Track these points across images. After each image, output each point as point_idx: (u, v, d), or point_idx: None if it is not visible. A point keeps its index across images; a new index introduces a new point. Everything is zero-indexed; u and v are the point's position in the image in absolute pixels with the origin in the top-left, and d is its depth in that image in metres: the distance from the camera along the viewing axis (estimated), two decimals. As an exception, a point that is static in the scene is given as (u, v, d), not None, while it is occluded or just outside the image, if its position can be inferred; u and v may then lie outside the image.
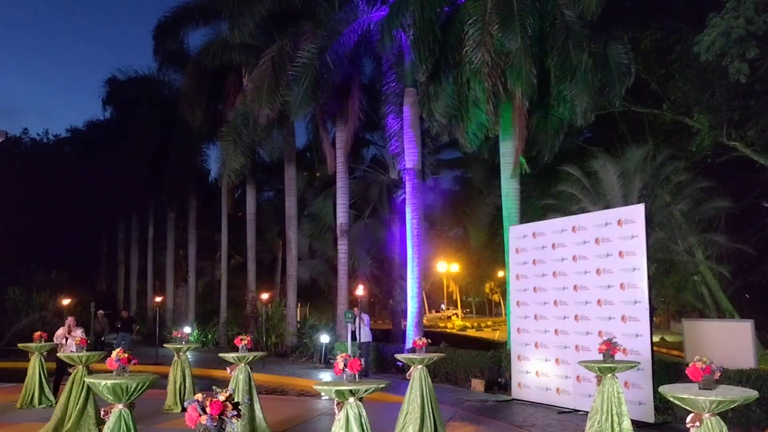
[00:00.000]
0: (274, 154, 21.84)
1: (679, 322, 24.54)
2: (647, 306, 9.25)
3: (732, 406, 5.28)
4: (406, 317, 17.74)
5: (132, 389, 6.01)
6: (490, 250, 26.00)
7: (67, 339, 11.49)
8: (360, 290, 16.91)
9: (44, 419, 9.17)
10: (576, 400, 10.37)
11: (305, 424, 9.76)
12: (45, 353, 11.82)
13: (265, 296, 22.48)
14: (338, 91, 18.67)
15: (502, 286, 40.05)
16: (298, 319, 21.96)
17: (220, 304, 25.22)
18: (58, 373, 11.67)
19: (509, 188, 14.21)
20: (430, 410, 8.38)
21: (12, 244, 25.69)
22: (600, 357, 7.95)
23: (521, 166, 14.02)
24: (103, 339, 20.13)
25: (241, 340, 9.12)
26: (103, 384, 5.99)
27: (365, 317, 15.23)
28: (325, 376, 15.52)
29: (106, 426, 5.98)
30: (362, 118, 19.47)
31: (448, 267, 45.52)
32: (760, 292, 21.93)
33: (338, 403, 5.87)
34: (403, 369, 12.34)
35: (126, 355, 6.43)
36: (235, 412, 3.89)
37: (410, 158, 16.52)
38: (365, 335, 15.15)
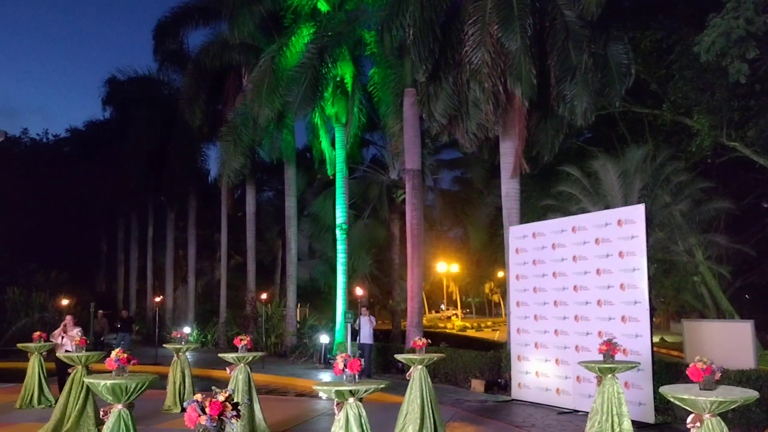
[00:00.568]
0: (273, 154, 21.82)
1: (679, 322, 24.55)
2: (647, 306, 9.24)
3: (732, 407, 5.27)
4: (405, 317, 17.73)
5: (131, 389, 6.00)
6: (490, 251, 25.99)
7: (62, 337, 11.48)
8: (359, 291, 16.93)
9: (44, 419, 9.16)
10: (576, 400, 10.36)
11: (305, 425, 9.75)
12: (44, 353, 11.81)
13: (264, 296, 22.49)
14: (337, 91, 18.66)
15: (502, 287, 40.07)
16: (298, 320, 21.95)
17: (219, 304, 25.22)
18: (60, 373, 11.63)
19: (509, 188, 14.21)
20: (430, 410, 8.37)
21: (12, 244, 25.67)
22: (600, 357, 7.95)
23: (521, 167, 14.01)
24: (102, 339, 20.13)
25: (241, 340, 9.11)
26: (102, 384, 5.97)
27: (372, 319, 15.25)
28: (325, 376, 15.51)
29: (105, 426, 5.97)
30: (362, 118, 19.47)
31: (447, 267, 45.50)
32: (760, 292, 21.95)
33: (338, 404, 5.86)
34: (403, 369, 12.33)
35: (125, 355, 6.42)
36: (234, 413, 3.88)
37: (410, 158, 16.51)
38: (368, 337, 15.11)
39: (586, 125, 14.25)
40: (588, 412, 7.97)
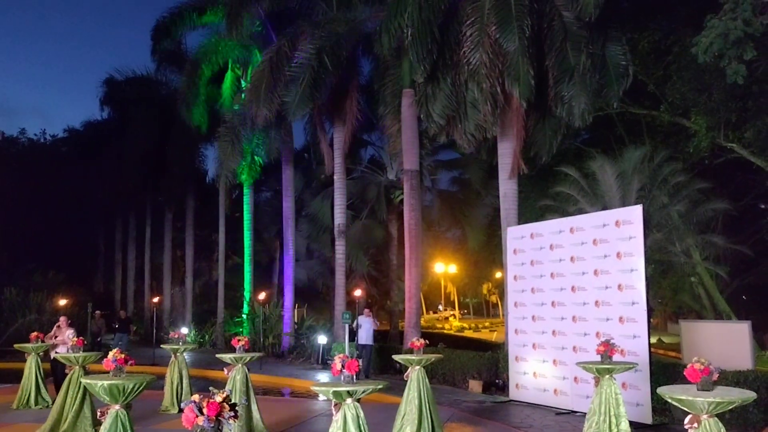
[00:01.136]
0: (271, 155, 21.80)
1: (676, 323, 24.57)
2: (645, 307, 9.24)
3: (730, 408, 5.27)
4: (403, 318, 17.72)
5: (129, 390, 5.99)
6: (487, 251, 26.01)
7: (56, 337, 11.48)
8: (358, 291, 16.93)
9: (41, 420, 9.13)
10: (574, 401, 10.36)
11: (302, 425, 9.74)
12: (41, 354, 11.79)
13: (262, 297, 22.45)
14: (336, 92, 18.66)
15: (500, 287, 40.06)
16: (296, 320, 21.94)
17: (217, 304, 25.18)
18: (56, 374, 11.61)
19: (507, 189, 14.21)
20: (428, 411, 8.37)
21: (9, 245, 25.63)
22: (598, 358, 7.95)
23: (519, 167, 14.01)
24: (99, 339, 20.11)
25: (239, 340, 9.11)
26: (99, 385, 5.96)
27: (375, 321, 15.24)
28: (323, 377, 15.50)
29: (102, 427, 5.95)
30: (360, 119, 19.46)
31: (445, 268, 45.49)
32: (757, 293, 21.97)
33: (336, 404, 5.86)
34: (401, 370, 12.32)
35: (123, 355, 6.41)
36: (232, 413, 3.87)
37: (408, 159, 16.50)
38: (369, 337, 15.05)
39: (584, 126, 14.26)
40: (586, 413, 7.97)
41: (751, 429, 8.63)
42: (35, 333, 12.12)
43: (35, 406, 11.17)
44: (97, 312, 20.59)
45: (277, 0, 19.51)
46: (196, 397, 3.87)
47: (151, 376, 6.46)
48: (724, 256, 19.27)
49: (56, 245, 28.13)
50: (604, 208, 13.25)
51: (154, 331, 20.40)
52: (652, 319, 16.84)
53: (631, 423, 7.80)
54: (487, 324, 50.50)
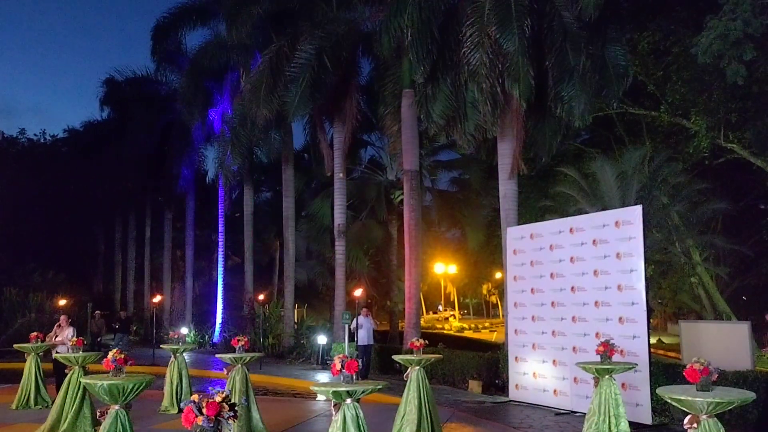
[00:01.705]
0: (271, 155, 21.81)
1: (676, 323, 24.58)
2: (644, 307, 9.24)
3: (729, 408, 5.27)
4: (403, 318, 17.72)
5: (128, 390, 5.99)
6: (487, 252, 26.01)
7: (56, 337, 11.48)
8: (358, 291, 16.91)
9: (40, 420, 9.14)
10: (573, 401, 10.36)
11: (302, 425, 9.74)
12: (41, 354, 11.79)
13: (262, 297, 22.46)
14: (336, 92, 18.66)
15: (500, 288, 40.09)
16: (296, 320, 21.94)
17: (217, 304, 25.18)
18: (57, 374, 11.61)
19: (507, 189, 14.20)
20: (428, 411, 8.37)
21: (9, 245, 25.63)
22: (597, 358, 7.95)
23: (519, 168, 14.02)
24: (99, 339, 20.12)
25: (238, 341, 9.11)
26: (99, 385, 5.96)
27: (373, 321, 15.22)
28: (323, 377, 15.50)
29: (102, 427, 5.96)
30: (360, 119, 19.46)
31: (445, 268, 45.52)
32: (757, 293, 21.96)
33: (335, 404, 5.86)
34: (401, 370, 12.32)
35: (122, 355, 6.41)
36: (231, 413, 3.87)
37: (408, 159, 16.51)
38: (370, 337, 14.99)
39: (584, 126, 14.27)
40: (585, 413, 7.97)
41: (751, 429, 8.63)
42: (35, 333, 12.13)
43: (35, 406, 11.16)
44: (97, 312, 20.60)
45: (277, 0, 19.50)
46: (195, 397, 3.87)
47: (150, 376, 6.46)
48: (723, 257, 19.29)
49: (56, 245, 28.14)
50: (604, 208, 13.25)
51: (154, 331, 20.39)
52: (651, 320, 16.86)
53: (631, 423, 7.81)
54: (486, 324, 50.53)
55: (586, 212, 13.28)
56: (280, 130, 21.00)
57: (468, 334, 40.82)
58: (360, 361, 6.24)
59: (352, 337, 15.30)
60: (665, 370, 10.02)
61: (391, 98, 17.18)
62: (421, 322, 22.03)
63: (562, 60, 13.06)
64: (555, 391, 10.79)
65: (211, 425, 3.77)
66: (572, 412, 10.25)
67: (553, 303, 10.95)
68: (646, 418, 9.02)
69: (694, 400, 5.21)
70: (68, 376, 9.14)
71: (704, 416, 5.20)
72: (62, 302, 19.24)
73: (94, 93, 29.81)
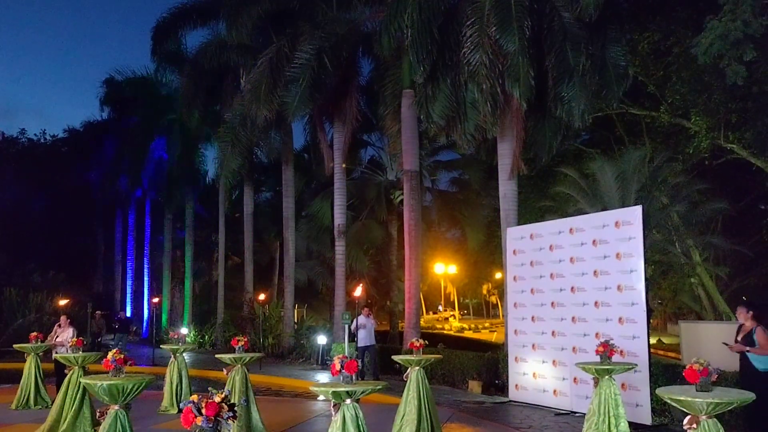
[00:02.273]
0: (271, 155, 21.82)
1: (676, 324, 24.60)
2: (644, 308, 9.23)
3: (729, 408, 5.27)
4: (403, 318, 17.72)
5: (128, 390, 5.98)
6: (487, 252, 26.02)
7: (57, 337, 11.48)
8: (358, 291, 16.88)
9: (40, 420, 9.13)
10: (573, 401, 10.36)
11: (302, 426, 9.74)
12: (41, 354, 11.78)
13: (262, 297, 22.46)
14: (336, 92, 18.67)
15: (500, 288, 40.06)
16: (296, 321, 21.94)
17: (217, 305, 25.19)
18: (57, 374, 11.60)
19: (507, 190, 14.21)
20: (427, 412, 8.36)
21: (9, 245, 25.64)
22: (597, 359, 7.94)
23: (519, 168, 14.02)
24: (99, 340, 20.10)
25: (238, 341, 9.11)
26: (99, 385, 5.96)
27: (373, 321, 15.14)
28: (322, 377, 15.49)
29: (101, 427, 5.95)
30: (360, 119, 19.47)
31: (445, 268, 45.53)
32: (757, 294, 21.95)
33: (335, 405, 5.86)
34: (401, 370, 12.31)
35: (122, 355, 6.41)
36: (230, 414, 3.87)
37: (408, 159, 16.51)
38: (372, 338, 14.90)
39: (584, 127, 14.26)
40: (585, 414, 7.96)
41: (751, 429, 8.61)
42: (35, 333, 12.12)
43: (34, 406, 11.16)
44: (98, 312, 20.59)
45: (277, 0, 19.51)
46: (194, 397, 3.87)
47: (150, 376, 6.46)
48: (724, 257, 19.28)
49: (56, 245, 28.15)
50: (604, 208, 13.24)
51: (154, 331, 20.40)
52: (651, 320, 16.86)
53: (631, 424, 7.80)
54: (486, 324, 50.54)
55: (586, 212, 13.27)
56: (280, 130, 21.02)
57: (468, 334, 40.85)
58: (359, 361, 6.22)
59: (352, 337, 15.29)
60: (665, 370, 10.00)
61: (391, 98, 17.19)
62: (421, 322, 22.03)
63: (562, 60, 13.06)
64: (555, 391, 10.79)
65: (211, 425, 3.77)
66: (572, 412, 10.25)
67: (553, 303, 10.95)
68: (645, 418, 9.02)
69: (694, 400, 5.20)
70: (68, 376, 9.13)
71: (704, 417, 5.20)
72: (62, 302, 19.24)
73: (95, 93, 29.85)
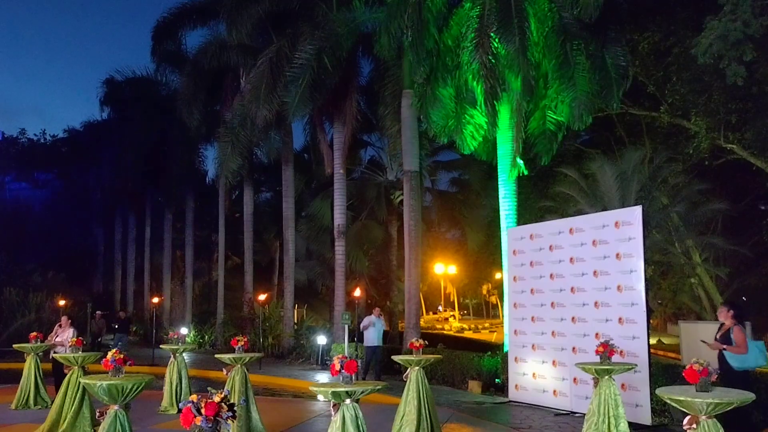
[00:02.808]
0: (271, 156, 21.83)
1: (676, 324, 24.57)
2: (644, 308, 9.23)
3: (729, 408, 5.27)
4: (403, 319, 17.72)
5: (128, 390, 5.98)
6: (487, 252, 25.99)
7: (56, 336, 11.48)
8: (357, 292, 16.90)
9: (39, 420, 9.13)
10: (573, 402, 10.36)
11: (301, 426, 9.73)
12: (41, 354, 11.78)
13: (262, 297, 22.46)
14: (336, 93, 18.67)
15: (500, 288, 39.94)
16: (295, 321, 21.94)
17: (217, 305, 25.19)
18: (56, 374, 11.60)
19: (507, 190, 14.20)
20: (427, 412, 8.36)
21: (9, 244, 25.65)
22: (597, 359, 7.94)
23: (519, 168, 14.01)
24: (99, 340, 20.12)
25: (238, 341, 9.11)
26: (98, 385, 5.95)
27: (383, 322, 15.02)
28: (322, 377, 15.49)
29: (101, 427, 5.95)
30: (360, 120, 19.49)
31: (445, 269, 45.46)
32: (757, 294, 21.96)
33: (334, 405, 5.85)
34: (400, 370, 12.31)
35: (122, 355, 6.40)
36: (230, 414, 3.87)
37: (408, 160, 16.51)
38: (378, 339, 14.72)
39: (584, 127, 14.24)
40: (585, 414, 7.96)
41: (751, 430, 8.60)
42: (34, 333, 12.12)
43: (34, 406, 11.16)
44: (97, 312, 20.62)
45: (277, 0, 19.51)
46: (194, 397, 3.87)
47: (150, 376, 6.45)
48: (723, 257, 19.28)
49: (56, 245, 28.16)
50: (604, 209, 13.25)
51: (154, 331, 20.41)
52: (651, 321, 16.87)
53: (630, 424, 7.80)
54: (486, 325, 50.49)
55: (586, 213, 13.28)
56: (280, 131, 21.01)
57: (468, 334, 40.80)
58: (360, 361, 6.22)
59: (352, 337, 15.28)
60: (665, 370, 10.00)
61: (391, 99, 17.19)
62: (421, 322, 22.03)
63: (562, 61, 13.05)
64: (555, 391, 10.78)
65: (210, 425, 3.77)
66: (572, 412, 10.24)
67: (552, 303, 10.95)
68: (645, 418, 9.02)
69: (694, 400, 5.20)
70: (68, 376, 9.13)
71: (704, 417, 5.19)
72: (62, 302, 19.28)
73: (95, 93, 29.90)
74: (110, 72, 30.91)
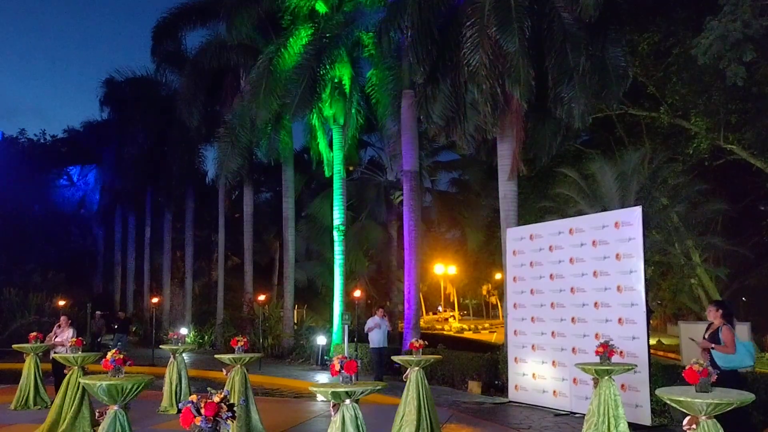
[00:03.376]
0: (271, 156, 21.81)
1: (675, 324, 24.57)
2: (644, 308, 9.23)
3: (728, 409, 5.27)
4: (403, 319, 17.72)
5: (127, 390, 5.98)
6: (487, 252, 26.01)
7: (56, 336, 11.48)
8: (357, 292, 16.90)
9: (39, 420, 9.13)
10: (573, 402, 10.36)
11: (301, 426, 9.73)
12: (40, 354, 11.78)
13: (262, 298, 22.45)
14: (335, 92, 18.66)
15: (500, 288, 40.05)
16: (295, 321, 21.93)
17: (216, 305, 25.18)
18: (56, 374, 11.60)
19: (506, 190, 14.20)
20: (427, 412, 8.36)
21: (8, 245, 25.64)
22: (597, 359, 7.94)
23: (518, 169, 14.01)
24: (99, 340, 20.12)
25: (238, 341, 9.11)
26: (98, 385, 5.95)
27: (388, 322, 14.95)
28: (322, 377, 15.49)
29: (101, 427, 5.95)
30: (360, 120, 19.47)
31: (445, 269, 45.46)
32: (756, 295, 21.97)
33: (334, 405, 5.85)
34: (400, 371, 12.31)
35: (121, 356, 6.40)
36: (229, 414, 3.87)
37: (408, 160, 16.50)
38: (384, 340, 14.56)
39: (584, 127, 14.24)
40: (584, 414, 7.96)
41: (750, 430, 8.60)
42: (34, 333, 12.12)
43: (34, 406, 11.16)
44: (97, 312, 20.62)
45: (277, 0, 19.50)
46: (193, 397, 3.86)
47: (149, 376, 6.46)
48: (723, 258, 19.27)
49: (56, 245, 28.15)
50: (604, 209, 13.24)
51: (154, 331, 20.41)
52: (651, 321, 16.85)
53: (630, 424, 7.80)
54: (486, 325, 50.45)
55: (586, 213, 13.27)
56: (279, 131, 21.00)
57: (468, 335, 40.80)
58: (358, 362, 6.21)
59: (351, 337, 15.28)
60: (665, 371, 10.00)
61: (391, 99, 17.18)
62: (421, 322, 22.03)
63: (562, 61, 13.05)
64: (554, 392, 10.78)
65: (210, 425, 3.77)
66: (572, 413, 10.25)
67: (552, 304, 10.95)
68: (645, 419, 9.02)
69: (693, 401, 5.20)
70: (67, 376, 9.13)
71: (703, 417, 5.20)
72: (62, 303, 19.26)
73: (94, 93, 29.76)
74: (110, 72, 30.84)
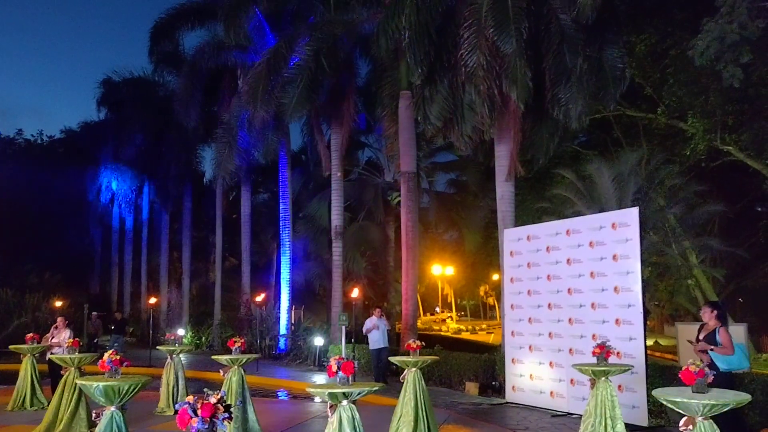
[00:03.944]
0: (269, 157, 21.81)
1: (672, 325, 24.60)
2: (641, 309, 9.25)
3: (725, 410, 5.27)
4: (400, 320, 17.71)
5: (124, 391, 5.97)
6: (484, 253, 26.03)
7: (53, 337, 11.47)
8: (355, 293, 16.89)
9: (36, 421, 9.12)
10: (570, 403, 10.37)
11: (298, 427, 9.73)
12: (37, 355, 11.76)
13: (259, 299, 22.43)
14: (333, 94, 18.67)
15: (497, 289, 40.04)
16: (293, 322, 21.91)
17: (214, 306, 25.16)
18: (52, 375, 11.58)
19: (504, 191, 14.21)
20: (424, 413, 8.36)
21: (5, 245, 25.58)
22: (594, 360, 7.95)
23: (516, 170, 14.02)
24: (96, 341, 20.08)
25: (235, 342, 9.10)
26: (95, 386, 5.94)
27: (386, 322, 14.88)
28: (319, 378, 15.48)
29: (97, 428, 5.94)
30: (357, 121, 19.48)
31: (442, 270, 45.49)
32: (753, 296, 22.03)
33: (331, 406, 5.85)
34: (397, 372, 12.29)
35: (118, 357, 6.39)
36: (226, 415, 3.87)
37: (405, 161, 16.50)
38: (384, 341, 14.46)
39: (581, 129, 14.28)
40: (581, 415, 7.97)
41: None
42: (30, 334, 12.10)
43: (30, 407, 11.14)
44: (94, 313, 20.57)
45: (275, 1, 19.50)
46: (190, 398, 3.86)
47: (146, 377, 6.44)
48: (720, 259, 19.30)
49: (52, 246, 28.08)
50: (601, 210, 13.25)
51: (151, 332, 20.37)
52: (648, 322, 16.88)
53: (627, 425, 7.80)
54: (484, 326, 50.47)
55: (583, 214, 13.28)
56: (277, 131, 20.99)
57: (465, 335, 40.85)
58: (356, 362, 6.21)
59: (350, 338, 15.25)
60: (661, 372, 10.02)
61: (389, 100, 17.17)
62: (418, 323, 22.03)
63: (559, 62, 13.06)
64: (551, 392, 10.80)
65: (206, 426, 3.76)
66: (569, 413, 10.26)
67: (549, 305, 10.96)
68: (642, 419, 9.03)
69: (690, 402, 5.21)
70: (64, 377, 9.11)
71: (700, 418, 5.20)
72: (58, 303, 19.22)
73: (92, 94, 29.75)
74: (107, 72, 30.90)
